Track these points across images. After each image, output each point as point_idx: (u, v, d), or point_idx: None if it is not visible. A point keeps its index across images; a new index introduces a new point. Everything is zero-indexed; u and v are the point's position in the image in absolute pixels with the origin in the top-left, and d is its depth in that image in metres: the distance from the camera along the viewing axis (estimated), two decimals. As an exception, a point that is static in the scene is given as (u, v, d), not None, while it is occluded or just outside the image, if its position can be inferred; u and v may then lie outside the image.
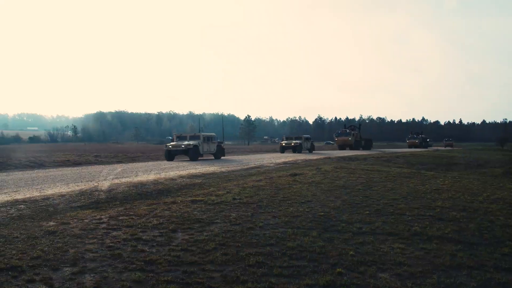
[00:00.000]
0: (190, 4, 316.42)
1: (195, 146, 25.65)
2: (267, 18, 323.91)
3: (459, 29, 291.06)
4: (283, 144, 39.25)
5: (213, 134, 28.91)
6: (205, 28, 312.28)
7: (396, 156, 31.44)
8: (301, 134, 44.37)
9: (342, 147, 50.84)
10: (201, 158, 27.63)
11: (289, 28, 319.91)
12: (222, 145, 29.38)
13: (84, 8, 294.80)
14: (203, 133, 27.76)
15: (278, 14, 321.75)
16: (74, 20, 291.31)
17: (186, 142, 26.03)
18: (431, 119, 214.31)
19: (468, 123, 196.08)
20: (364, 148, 51.63)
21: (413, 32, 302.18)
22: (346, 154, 33.77)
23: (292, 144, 38.12)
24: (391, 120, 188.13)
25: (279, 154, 35.09)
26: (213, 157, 28.34)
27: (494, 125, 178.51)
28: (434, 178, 14.84)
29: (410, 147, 69.85)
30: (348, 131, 51.65)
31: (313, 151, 40.83)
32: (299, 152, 37.45)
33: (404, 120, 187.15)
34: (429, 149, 65.83)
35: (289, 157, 30.09)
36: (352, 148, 49.51)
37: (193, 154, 25.57)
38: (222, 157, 28.77)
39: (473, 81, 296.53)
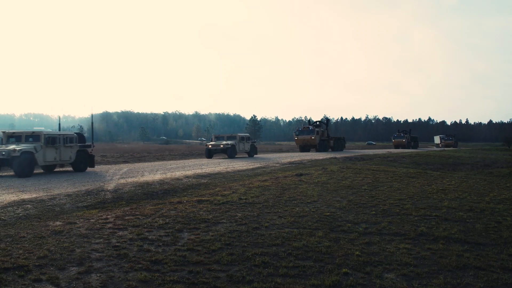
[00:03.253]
0: (194, 4, 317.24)
1: (25, 153, 15.56)
2: (270, 18, 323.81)
3: (461, 28, 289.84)
4: (210, 146, 29.49)
5: (72, 133, 18.59)
6: (209, 28, 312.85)
7: (402, 156, 31.32)
8: (237, 133, 35.68)
9: (304, 148, 42.51)
10: (58, 169, 18.92)
11: (293, 28, 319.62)
12: (91, 150, 19.13)
13: (90, 10, 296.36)
14: (46, 132, 17.37)
15: (281, 14, 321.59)
16: (80, 21, 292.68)
17: (12, 147, 15.68)
18: (438, 119, 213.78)
19: (474, 123, 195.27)
20: (334, 149, 43.70)
21: (416, 31, 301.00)
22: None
23: (221, 146, 28.87)
24: (397, 120, 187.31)
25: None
26: (72, 169, 18.63)
27: (501, 125, 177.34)
28: (441, 178, 14.77)
29: (396, 147, 61.10)
30: (311, 128, 42.55)
31: (255, 155, 32.32)
32: (232, 157, 28.78)
33: (410, 120, 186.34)
34: (436, 149, 63.92)
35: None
36: (317, 149, 41.39)
37: (20, 167, 15.34)
38: (90, 169, 18.93)
39: (478, 81, 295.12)
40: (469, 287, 4.44)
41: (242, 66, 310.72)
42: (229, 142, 29.37)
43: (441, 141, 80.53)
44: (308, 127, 43.25)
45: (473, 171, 22.09)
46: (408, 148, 60.60)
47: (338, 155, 32.98)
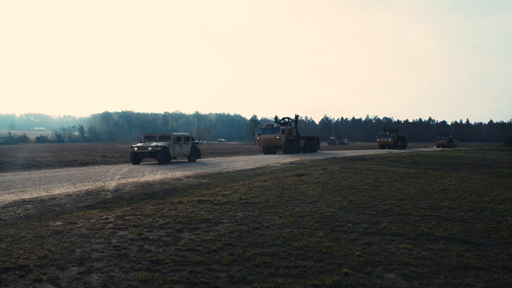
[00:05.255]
0: (194, 4, 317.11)
1: None
2: (270, 18, 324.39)
3: (459, 27, 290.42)
4: (135, 149, 23.03)
5: None
6: (209, 28, 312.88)
7: (403, 156, 31.31)
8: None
9: (268, 149, 36.81)
10: None
11: (292, 28, 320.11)
12: None
13: (91, 10, 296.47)
14: None
15: (280, 14, 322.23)
16: (81, 21, 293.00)
17: None
18: (438, 119, 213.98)
19: (475, 123, 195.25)
20: (306, 151, 38.74)
21: (414, 31, 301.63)
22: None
23: (150, 149, 22.57)
24: (398, 120, 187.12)
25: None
26: None
27: (501, 125, 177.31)
28: (441, 178, 14.76)
29: (382, 147, 55.09)
30: (275, 126, 36.53)
31: (198, 159, 26.40)
32: (163, 162, 22.68)
33: (410, 120, 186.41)
34: (436, 149, 62.48)
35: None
36: (285, 151, 35.85)
37: None
38: None
39: (478, 80, 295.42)
40: (469, 287, 4.44)
41: (241, 66, 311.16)
42: (159, 143, 23.00)
43: None
44: (272, 125, 37.15)
45: (473, 171, 22.07)
46: (395, 148, 54.73)
47: (338, 155, 32.94)
